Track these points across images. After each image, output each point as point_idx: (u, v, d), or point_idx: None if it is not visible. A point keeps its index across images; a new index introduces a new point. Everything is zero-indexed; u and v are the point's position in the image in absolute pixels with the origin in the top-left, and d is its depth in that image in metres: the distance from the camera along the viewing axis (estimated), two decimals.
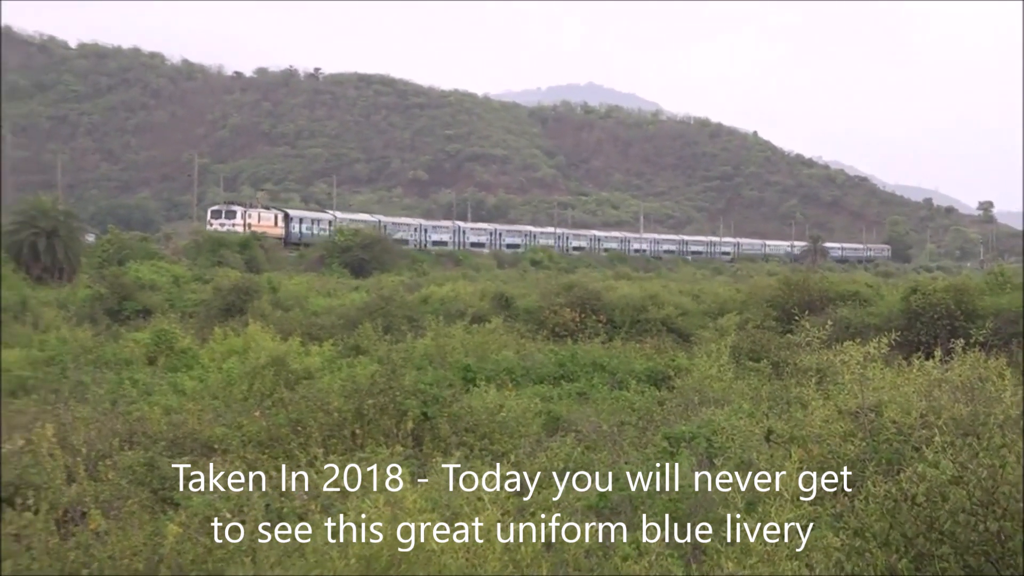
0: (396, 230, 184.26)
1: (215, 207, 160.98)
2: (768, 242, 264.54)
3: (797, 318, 40.28)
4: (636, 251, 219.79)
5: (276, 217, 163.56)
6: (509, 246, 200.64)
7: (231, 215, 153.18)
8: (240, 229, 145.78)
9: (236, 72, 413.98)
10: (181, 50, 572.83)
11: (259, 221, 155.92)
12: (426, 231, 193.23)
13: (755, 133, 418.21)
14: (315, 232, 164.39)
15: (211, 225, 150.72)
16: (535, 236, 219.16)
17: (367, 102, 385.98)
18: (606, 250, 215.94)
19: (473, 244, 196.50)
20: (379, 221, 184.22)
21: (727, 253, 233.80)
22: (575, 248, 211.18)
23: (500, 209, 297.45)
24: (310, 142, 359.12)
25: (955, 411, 18.45)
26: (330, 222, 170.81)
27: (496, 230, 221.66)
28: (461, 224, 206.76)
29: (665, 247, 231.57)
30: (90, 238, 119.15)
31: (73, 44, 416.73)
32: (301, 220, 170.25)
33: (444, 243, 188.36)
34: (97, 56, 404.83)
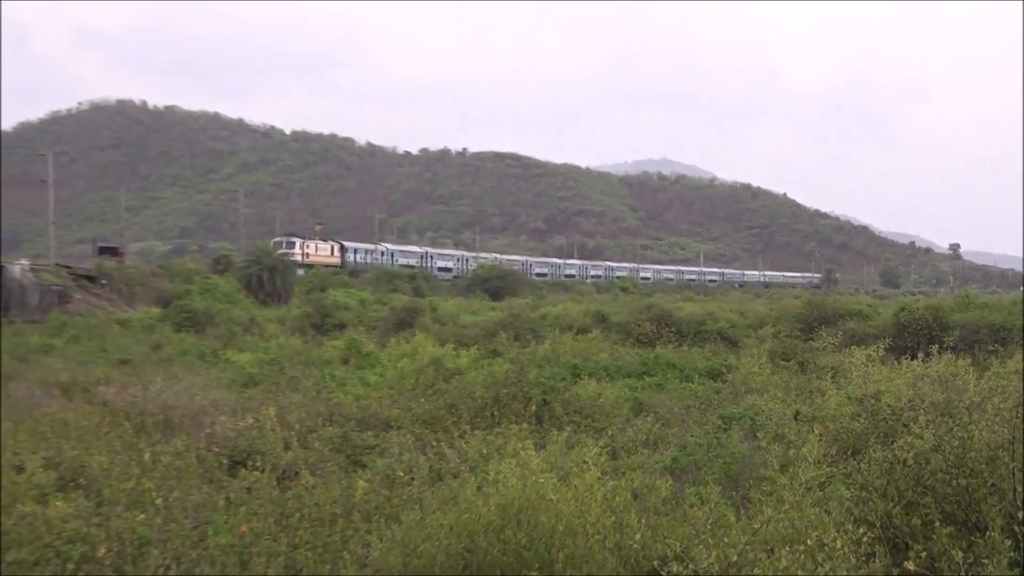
0: (440, 260, 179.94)
1: (277, 239, 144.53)
2: (789, 274, 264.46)
3: (816, 329, 40.16)
4: (692, 280, 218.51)
5: (332, 248, 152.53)
6: (567, 276, 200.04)
7: (291, 245, 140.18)
8: (299, 258, 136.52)
9: (406, 151, 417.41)
10: (366, 135, 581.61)
11: (316, 251, 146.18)
12: (467, 261, 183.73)
13: (784, 194, 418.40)
14: (368, 261, 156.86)
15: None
16: (613, 270, 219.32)
17: (501, 172, 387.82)
18: (669, 279, 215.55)
19: (537, 275, 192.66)
20: (426, 252, 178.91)
21: (766, 284, 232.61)
22: (643, 278, 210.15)
23: (598, 250, 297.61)
24: (459, 201, 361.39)
25: (934, 397, 18.27)
26: (382, 252, 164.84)
27: (584, 264, 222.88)
28: (530, 259, 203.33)
29: (711, 278, 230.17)
30: (300, 272, 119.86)
31: (288, 131, 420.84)
32: (355, 250, 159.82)
33: (449, 269, 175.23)
34: (305, 140, 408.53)
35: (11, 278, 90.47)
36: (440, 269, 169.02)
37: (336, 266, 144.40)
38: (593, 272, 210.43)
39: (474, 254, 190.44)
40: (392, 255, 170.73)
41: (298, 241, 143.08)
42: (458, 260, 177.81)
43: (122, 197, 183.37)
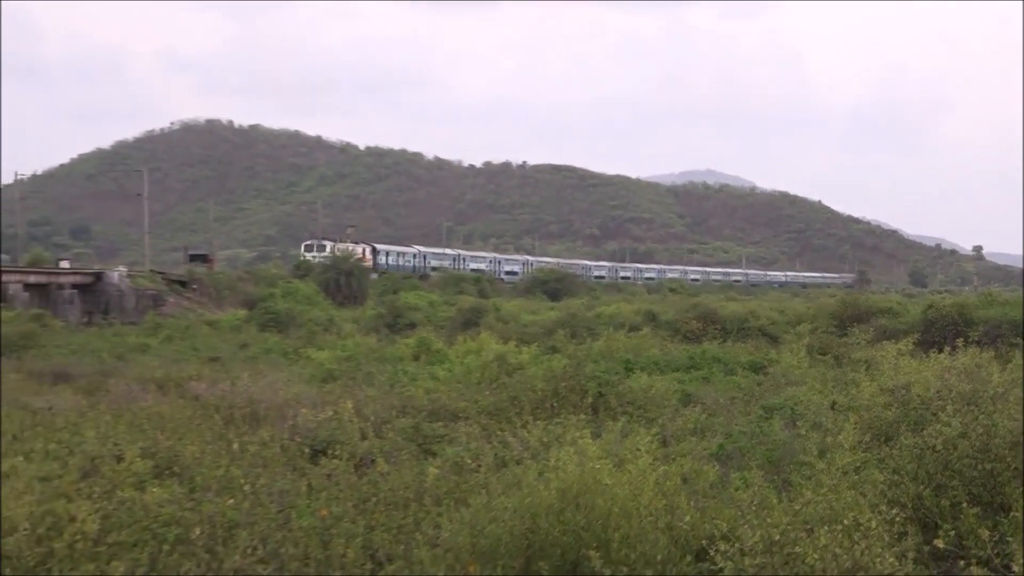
0: (507, 264, 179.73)
1: (308, 241, 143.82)
2: (808, 274, 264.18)
3: (850, 326, 39.95)
4: (736, 282, 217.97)
5: (364, 250, 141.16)
6: (646, 279, 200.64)
7: (321, 248, 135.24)
8: (330, 261, 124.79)
9: (470, 164, 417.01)
10: (434, 150, 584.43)
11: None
12: (500, 263, 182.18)
13: (819, 201, 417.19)
14: (400, 263, 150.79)
15: (304, 257, 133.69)
16: (665, 272, 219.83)
17: (558, 183, 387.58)
18: (716, 280, 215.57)
19: (596, 277, 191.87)
20: (459, 255, 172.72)
21: (804, 285, 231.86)
22: (692, 279, 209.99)
23: (648, 254, 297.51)
24: (519, 210, 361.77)
25: (960, 388, 18.19)
26: (414, 255, 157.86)
27: (638, 267, 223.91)
28: (529, 258, 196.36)
29: (735, 278, 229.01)
30: (373, 276, 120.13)
31: (362, 147, 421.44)
32: (387, 253, 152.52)
33: (515, 273, 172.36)
34: (378, 155, 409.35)
35: (110, 283, 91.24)
36: (507, 273, 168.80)
37: (369, 269, 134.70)
38: (646, 274, 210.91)
39: (535, 258, 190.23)
40: (463, 260, 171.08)
41: (328, 244, 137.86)
42: (523, 264, 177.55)
43: (211, 209, 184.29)
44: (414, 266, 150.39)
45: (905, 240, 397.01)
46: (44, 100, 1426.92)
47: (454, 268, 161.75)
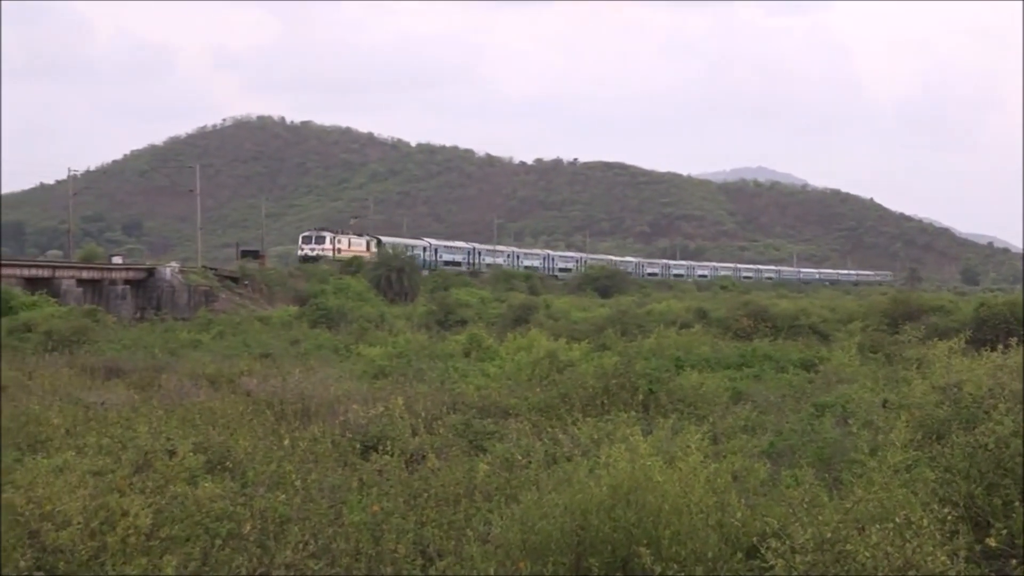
0: (561, 262, 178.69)
1: (306, 233, 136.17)
2: (844, 271, 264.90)
3: (902, 324, 39.77)
4: (768, 278, 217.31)
5: (368, 243, 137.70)
6: (699, 276, 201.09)
7: (320, 240, 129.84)
8: (329, 253, 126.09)
9: (521, 161, 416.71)
10: (485, 147, 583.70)
11: (349, 246, 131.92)
12: (553, 260, 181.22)
13: (871, 198, 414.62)
14: (406, 255, 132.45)
15: (302, 250, 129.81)
16: (717, 269, 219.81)
17: (609, 180, 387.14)
18: (768, 278, 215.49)
19: (649, 274, 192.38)
20: (473, 248, 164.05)
21: (855, 283, 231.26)
22: (745, 277, 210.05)
23: (698, 251, 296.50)
24: (571, 207, 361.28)
25: (1013, 386, 18.08)
26: (424, 248, 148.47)
27: (691, 265, 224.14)
28: (551, 252, 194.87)
29: (767, 275, 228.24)
30: (424, 272, 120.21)
31: (413, 144, 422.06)
32: (393, 246, 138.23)
33: (568, 270, 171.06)
34: (430, 151, 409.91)
35: (163, 279, 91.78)
36: (560, 270, 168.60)
37: (372, 262, 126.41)
38: (699, 272, 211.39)
39: (588, 256, 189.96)
40: (517, 257, 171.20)
41: (328, 235, 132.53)
42: (576, 261, 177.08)
43: (263, 205, 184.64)
44: (424, 260, 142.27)
45: (957, 238, 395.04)
46: (96, 98, 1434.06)
47: (544, 267, 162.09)
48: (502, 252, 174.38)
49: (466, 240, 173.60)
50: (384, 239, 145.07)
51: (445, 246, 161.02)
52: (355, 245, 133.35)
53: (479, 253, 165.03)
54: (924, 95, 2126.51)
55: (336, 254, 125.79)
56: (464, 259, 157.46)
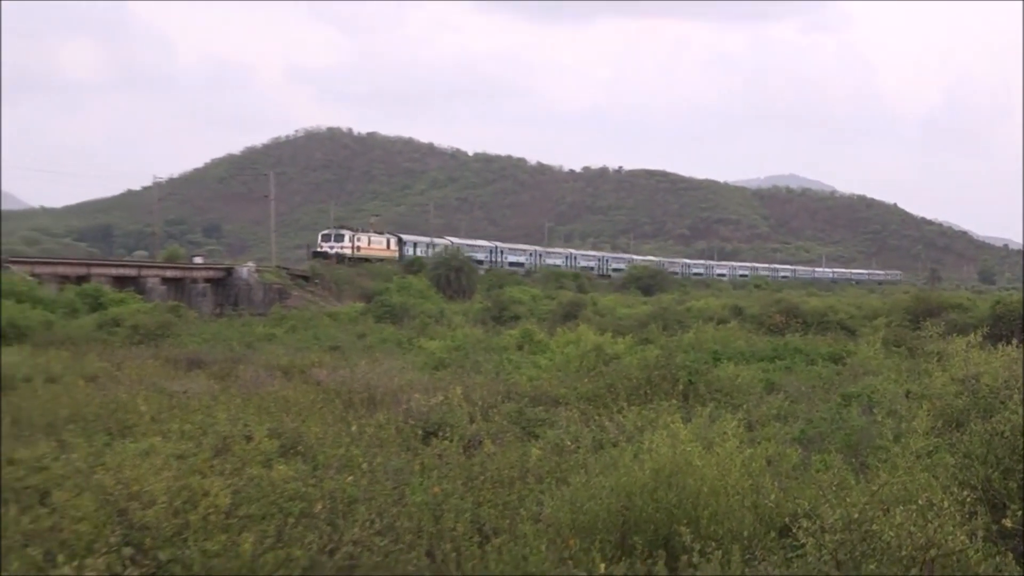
0: (615, 263, 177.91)
1: (325, 231, 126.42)
2: (856, 271, 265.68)
3: (923, 320, 39.58)
4: (784, 277, 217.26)
5: (388, 241, 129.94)
6: (719, 275, 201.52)
7: (339, 238, 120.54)
8: (348, 251, 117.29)
9: (570, 169, 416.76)
10: (537, 155, 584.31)
11: (369, 244, 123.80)
12: (607, 261, 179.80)
13: (895, 204, 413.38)
14: (428, 254, 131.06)
15: (321, 247, 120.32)
16: (757, 269, 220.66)
17: (651, 187, 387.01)
18: (784, 277, 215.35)
19: (695, 274, 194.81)
20: (495, 247, 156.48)
21: (880, 282, 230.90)
22: (783, 277, 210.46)
23: (734, 252, 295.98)
24: (616, 212, 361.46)
25: None
26: (446, 247, 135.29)
27: (732, 265, 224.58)
28: (572, 251, 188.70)
29: (783, 274, 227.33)
30: (481, 272, 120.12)
31: (471, 153, 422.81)
32: (415, 244, 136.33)
33: (621, 269, 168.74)
34: (486, 160, 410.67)
35: (240, 278, 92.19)
36: (614, 270, 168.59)
37: (393, 260, 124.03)
38: (740, 272, 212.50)
39: (639, 257, 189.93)
40: (575, 259, 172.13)
41: (347, 233, 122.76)
42: (627, 262, 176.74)
43: (332, 209, 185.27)
44: (491, 262, 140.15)
45: (975, 240, 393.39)
46: (179, 110, 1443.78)
47: (599, 269, 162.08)
48: (560, 254, 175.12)
49: (518, 243, 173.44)
50: (405, 237, 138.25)
51: (510, 248, 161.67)
52: (375, 243, 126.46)
53: (540, 255, 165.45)
54: (943, 107, 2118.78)
55: (355, 252, 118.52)
56: (527, 260, 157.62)
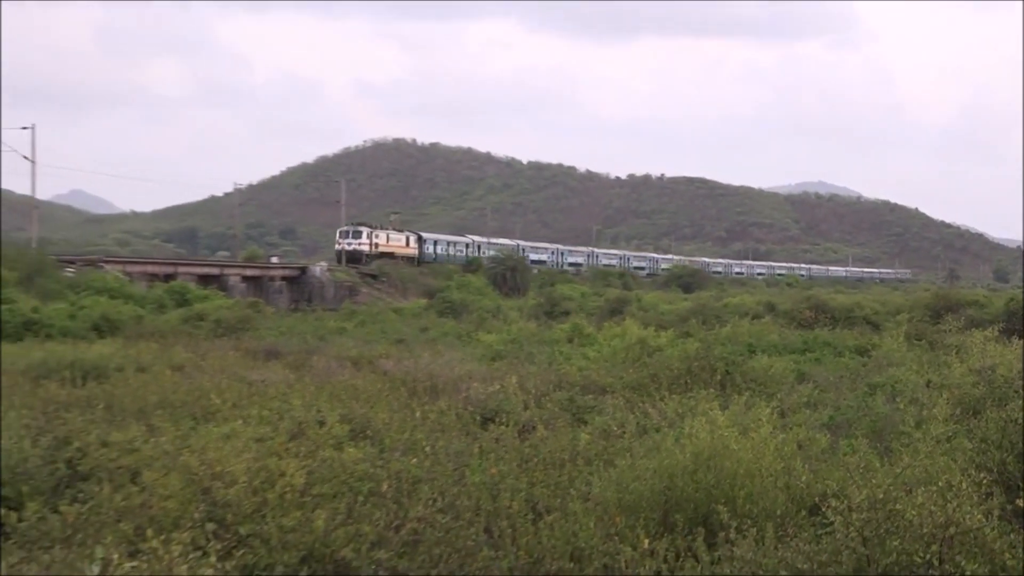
0: (664, 262, 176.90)
1: (343, 228, 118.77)
2: (869, 269, 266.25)
3: (943, 316, 39.36)
4: (841, 278, 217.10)
5: (408, 238, 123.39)
6: (758, 274, 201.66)
7: (357, 235, 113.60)
8: (366, 248, 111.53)
9: (616, 176, 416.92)
10: (585, 164, 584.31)
11: (388, 241, 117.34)
12: (629, 259, 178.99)
13: (916, 208, 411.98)
14: (451, 253, 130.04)
15: (339, 244, 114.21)
16: (793, 269, 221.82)
17: (691, 193, 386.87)
18: (826, 276, 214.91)
19: (736, 273, 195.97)
20: (518, 245, 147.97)
21: (901, 280, 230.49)
22: (815, 275, 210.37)
23: (767, 253, 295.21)
24: (658, 216, 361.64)
25: None
26: (467, 245, 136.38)
27: (771, 265, 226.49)
28: (602, 250, 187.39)
29: (800, 272, 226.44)
30: (534, 271, 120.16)
31: (525, 162, 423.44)
32: (436, 242, 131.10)
33: (642, 268, 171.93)
34: (538, 168, 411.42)
35: (313, 276, 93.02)
36: (663, 270, 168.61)
37: (412, 258, 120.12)
38: (778, 272, 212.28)
39: (684, 258, 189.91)
40: (628, 260, 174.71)
41: (365, 230, 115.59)
42: (674, 263, 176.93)
43: (398, 214, 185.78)
44: (467, 256, 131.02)
45: (990, 242, 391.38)
46: (257, 122, 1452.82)
47: (621, 266, 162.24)
48: (615, 255, 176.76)
49: (569, 245, 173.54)
50: (425, 235, 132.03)
51: (569, 250, 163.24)
52: (394, 240, 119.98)
53: (596, 256, 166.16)
54: (961, 118, 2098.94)
55: (373, 248, 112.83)
56: (584, 261, 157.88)
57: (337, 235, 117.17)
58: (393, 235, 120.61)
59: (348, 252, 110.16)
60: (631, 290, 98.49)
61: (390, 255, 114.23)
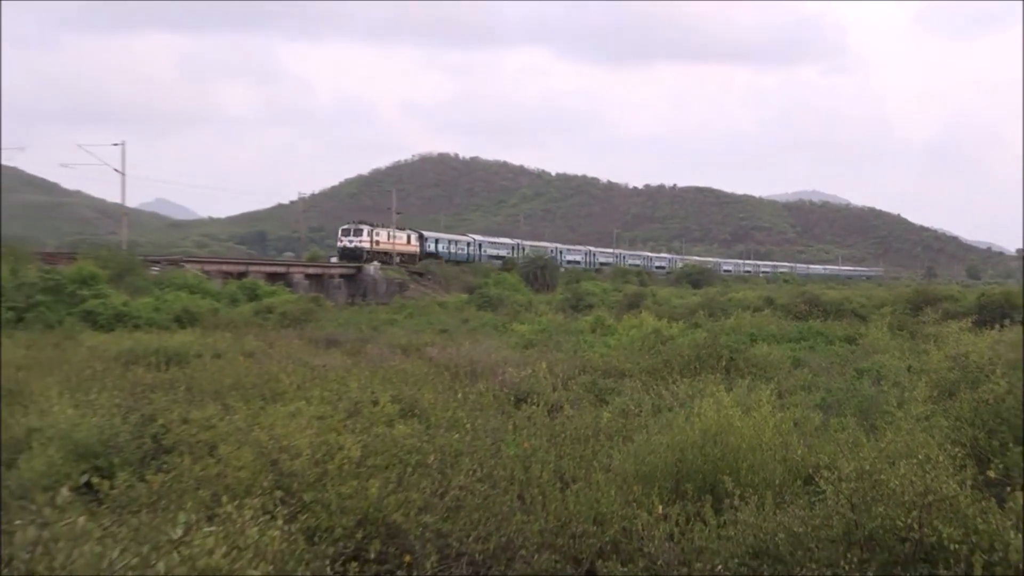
0: (631, 259, 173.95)
1: (344, 226, 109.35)
2: (845, 267, 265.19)
3: (922, 308, 39.25)
4: (834, 275, 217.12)
5: (409, 236, 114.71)
6: (764, 272, 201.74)
7: (358, 233, 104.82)
8: (366, 245, 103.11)
9: (634, 186, 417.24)
10: (607, 175, 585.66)
11: (388, 239, 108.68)
12: (652, 260, 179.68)
13: (899, 214, 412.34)
14: (453, 251, 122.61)
15: (341, 242, 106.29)
16: (795, 268, 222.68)
17: (700, 201, 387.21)
18: (818, 275, 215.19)
19: (745, 271, 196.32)
20: (518, 244, 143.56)
21: (868, 277, 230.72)
22: (813, 273, 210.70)
23: (766, 254, 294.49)
24: (671, 220, 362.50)
25: (1007, 356, 17.78)
26: (468, 244, 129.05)
27: (775, 264, 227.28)
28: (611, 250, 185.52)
29: (846, 273, 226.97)
30: (561, 270, 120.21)
31: (553, 174, 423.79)
32: (437, 240, 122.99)
33: (663, 267, 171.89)
34: (566, 179, 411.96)
35: (368, 274, 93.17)
36: (656, 267, 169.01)
37: (414, 255, 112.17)
38: (782, 269, 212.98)
39: (699, 258, 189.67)
40: (651, 260, 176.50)
41: (366, 228, 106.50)
42: (690, 263, 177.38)
43: (441, 219, 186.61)
44: (468, 255, 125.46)
45: (963, 244, 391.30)
46: (319, 138, 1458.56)
47: (645, 266, 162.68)
48: (640, 256, 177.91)
49: (593, 246, 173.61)
50: (427, 233, 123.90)
51: (600, 251, 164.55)
52: (395, 239, 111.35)
53: (624, 257, 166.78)
54: (940, 135, 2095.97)
55: (373, 246, 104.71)
56: (613, 261, 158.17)
57: (339, 233, 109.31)
58: (396, 233, 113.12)
59: (349, 249, 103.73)
60: (647, 286, 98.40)
61: (391, 253, 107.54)
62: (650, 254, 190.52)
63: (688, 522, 9.44)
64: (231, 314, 49.35)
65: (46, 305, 45.18)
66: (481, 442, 12.06)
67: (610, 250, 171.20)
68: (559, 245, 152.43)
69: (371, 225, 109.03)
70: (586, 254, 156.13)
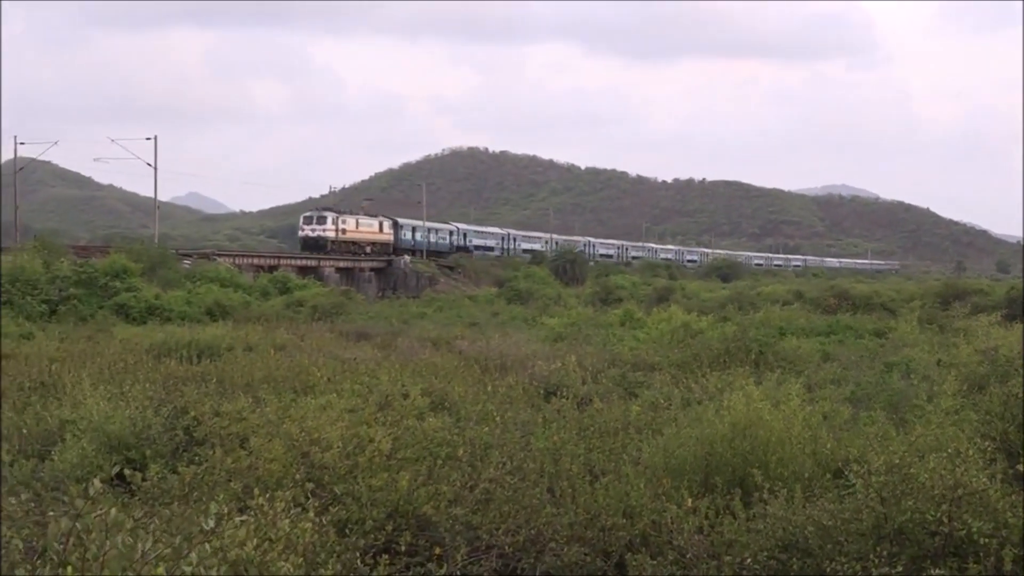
0: (663, 252, 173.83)
1: (307, 213, 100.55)
2: (861, 261, 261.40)
3: (951, 302, 39.12)
4: (861, 270, 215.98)
5: (382, 224, 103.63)
6: (795, 267, 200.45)
7: (322, 220, 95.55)
8: (331, 234, 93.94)
9: (663, 180, 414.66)
10: (636, 169, 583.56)
11: (357, 227, 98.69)
12: (684, 254, 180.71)
13: (928, 208, 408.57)
14: (432, 240, 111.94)
15: (303, 231, 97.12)
16: (825, 262, 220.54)
17: (729, 195, 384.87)
18: (847, 269, 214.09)
19: (776, 265, 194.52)
20: (508, 233, 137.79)
21: (879, 271, 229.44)
22: (830, 268, 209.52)
23: (795, 248, 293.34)
24: (699, 214, 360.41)
25: None
26: (451, 232, 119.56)
27: (805, 259, 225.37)
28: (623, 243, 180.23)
29: (876, 268, 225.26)
30: (592, 264, 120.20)
31: (583, 167, 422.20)
32: (415, 229, 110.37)
33: (695, 261, 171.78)
34: (594, 173, 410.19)
35: (398, 268, 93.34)
36: (688, 261, 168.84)
37: (387, 244, 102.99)
38: (810, 263, 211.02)
39: (727, 252, 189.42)
40: (683, 254, 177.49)
41: (330, 216, 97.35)
42: (719, 257, 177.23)
43: (471, 213, 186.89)
44: (451, 244, 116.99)
45: (993, 238, 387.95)
46: (349, 133, 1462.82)
47: (677, 260, 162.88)
48: (672, 250, 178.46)
49: (620, 239, 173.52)
50: (402, 221, 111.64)
51: (633, 245, 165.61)
52: (364, 226, 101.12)
53: (656, 251, 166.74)
54: (967, 128, 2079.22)
55: (340, 235, 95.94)
56: (644, 255, 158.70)
57: (300, 221, 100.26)
58: (363, 220, 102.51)
59: (311, 239, 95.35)
60: (676, 280, 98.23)
61: (359, 242, 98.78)
62: (682, 248, 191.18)
63: (717, 515, 9.43)
64: (262, 307, 49.56)
65: (79, 298, 45.67)
66: (511, 435, 12.08)
67: (641, 244, 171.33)
68: (592, 239, 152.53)
69: (337, 211, 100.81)
70: (619, 248, 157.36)
